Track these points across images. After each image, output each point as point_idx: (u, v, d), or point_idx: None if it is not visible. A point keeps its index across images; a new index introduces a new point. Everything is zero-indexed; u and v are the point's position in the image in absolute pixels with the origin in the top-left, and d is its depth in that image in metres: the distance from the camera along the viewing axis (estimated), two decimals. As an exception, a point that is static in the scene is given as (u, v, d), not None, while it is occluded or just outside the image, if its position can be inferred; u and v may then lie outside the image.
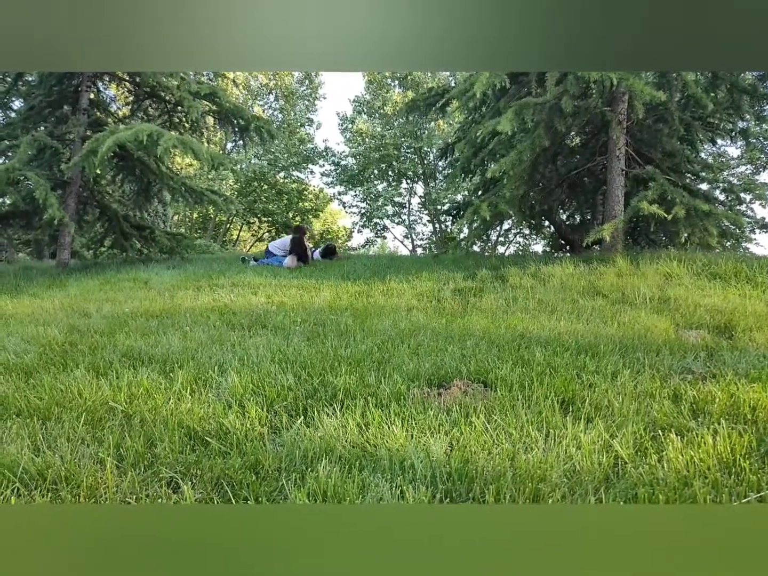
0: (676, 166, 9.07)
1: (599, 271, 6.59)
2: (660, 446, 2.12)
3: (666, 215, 7.00)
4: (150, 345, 3.78)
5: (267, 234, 27.61)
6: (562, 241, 11.77)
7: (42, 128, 10.34)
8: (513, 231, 23.49)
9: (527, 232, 23.55)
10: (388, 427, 2.27)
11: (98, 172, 10.64)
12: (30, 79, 11.44)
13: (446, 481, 1.87)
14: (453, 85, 10.25)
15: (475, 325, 4.39)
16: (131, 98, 12.02)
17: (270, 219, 26.71)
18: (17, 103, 12.71)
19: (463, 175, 10.50)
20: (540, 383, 2.78)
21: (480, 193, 10.78)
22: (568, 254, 10.14)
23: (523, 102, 7.30)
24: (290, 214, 26.99)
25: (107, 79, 11.51)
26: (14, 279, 8.66)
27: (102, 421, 2.38)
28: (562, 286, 6.06)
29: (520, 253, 22.21)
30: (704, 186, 10.51)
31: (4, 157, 10.67)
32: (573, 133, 9.65)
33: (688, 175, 9.74)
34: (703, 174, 10.08)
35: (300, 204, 27.35)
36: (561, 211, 11.32)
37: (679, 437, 2.15)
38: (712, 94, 8.61)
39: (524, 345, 3.62)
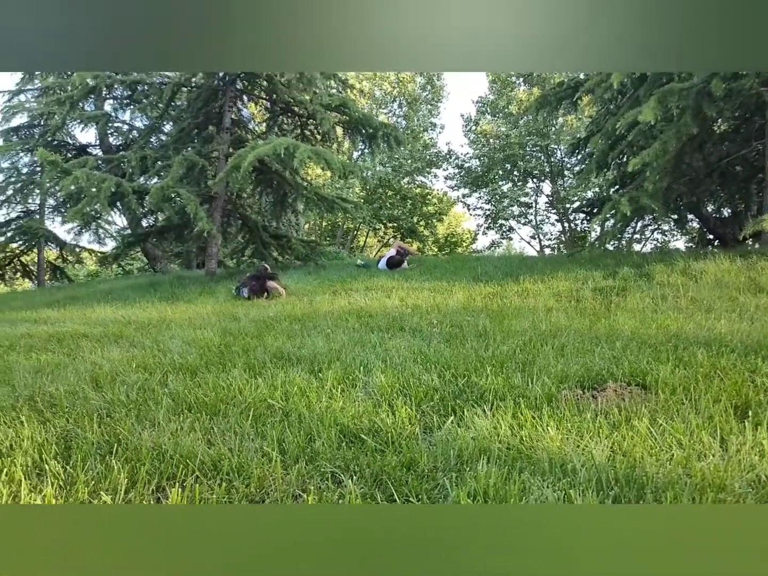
0: None
1: (760, 267, 5.98)
2: None
3: (840, 203, 6.23)
4: (296, 347, 3.95)
5: (392, 239, 28.08)
6: (711, 236, 10.87)
7: (190, 148, 11.24)
8: (650, 228, 22.05)
9: (666, 228, 22.02)
10: (543, 429, 2.20)
11: (240, 185, 11.39)
12: (179, 104, 12.51)
13: (613, 486, 1.77)
14: (582, 77, 9.79)
15: (622, 325, 4.15)
16: (267, 115, 12.76)
17: (395, 224, 27.20)
18: (167, 127, 14.02)
19: (597, 170, 10.00)
20: (708, 386, 2.56)
21: (616, 188, 10.23)
22: (716, 250, 9.33)
23: (667, 88, 6.81)
24: (414, 219, 27.31)
25: (246, 99, 12.31)
26: (170, 288, 9.49)
27: (262, 417, 2.51)
28: (717, 282, 5.58)
29: (659, 251, 20.80)
30: None
31: (158, 177, 11.72)
32: (721, 119, 8.86)
33: None
34: None
35: (424, 208, 27.62)
36: (708, 203, 10.45)
37: None
38: None
39: (681, 346, 3.36)
